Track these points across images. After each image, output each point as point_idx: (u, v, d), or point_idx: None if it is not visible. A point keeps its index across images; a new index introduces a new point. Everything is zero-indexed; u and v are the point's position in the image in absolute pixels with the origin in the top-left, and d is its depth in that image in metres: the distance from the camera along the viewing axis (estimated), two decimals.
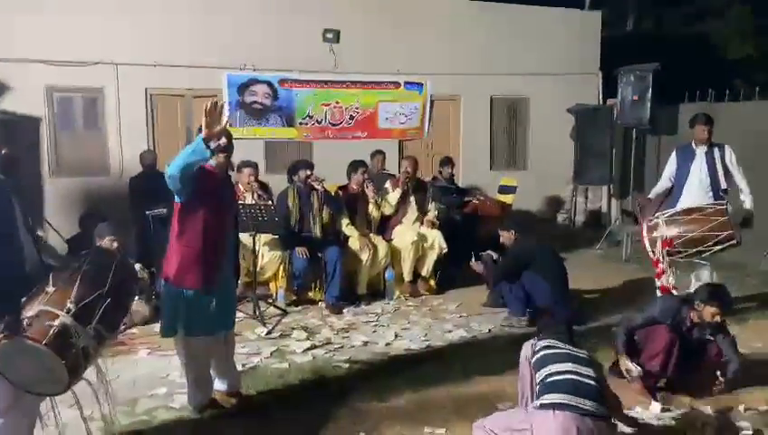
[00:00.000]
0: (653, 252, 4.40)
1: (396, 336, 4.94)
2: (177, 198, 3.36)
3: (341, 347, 4.72)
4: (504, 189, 8.29)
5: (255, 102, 9.14)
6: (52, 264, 3.40)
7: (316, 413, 3.65)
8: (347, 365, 4.34)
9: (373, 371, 4.30)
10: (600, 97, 10.48)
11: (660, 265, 4.32)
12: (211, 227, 3.41)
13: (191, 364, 3.51)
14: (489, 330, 5.07)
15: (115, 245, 5.38)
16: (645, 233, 4.46)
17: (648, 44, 12.30)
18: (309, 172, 5.79)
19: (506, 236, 5.42)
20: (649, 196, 5.29)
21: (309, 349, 4.65)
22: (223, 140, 3.40)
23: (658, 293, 4.95)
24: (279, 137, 9.30)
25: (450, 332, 5.05)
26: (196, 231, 3.36)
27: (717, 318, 3.64)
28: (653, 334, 3.77)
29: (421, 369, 4.30)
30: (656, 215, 4.61)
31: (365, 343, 4.80)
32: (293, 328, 5.17)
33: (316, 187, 5.77)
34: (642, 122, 8.29)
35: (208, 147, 3.14)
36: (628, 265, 7.58)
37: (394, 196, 6.28)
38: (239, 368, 4.01)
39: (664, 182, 5.27)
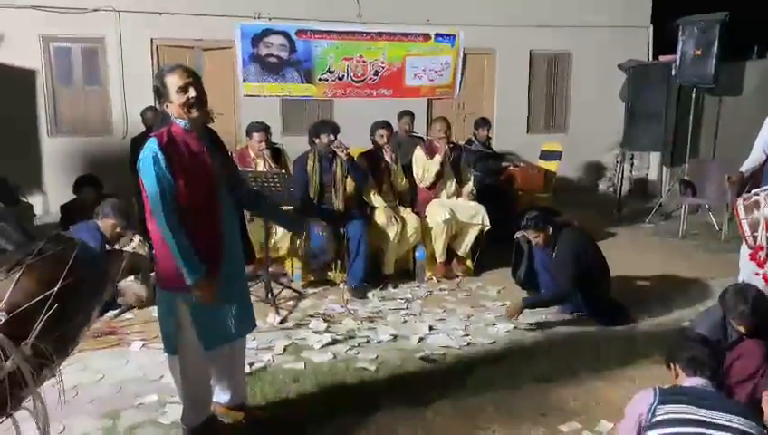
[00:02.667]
0: (753, 237, 3.58)
1: (430, 329, 4.23)
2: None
3: (366, 342, 4.02)
4: (547, 155, 7.45)
5: (271, 56, 8.28)
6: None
7: (336, 431, 2.98)
8: (373, 368, 3.63)
9: (404, 375, 3.59)
10: (650, 53, 9.51)
11: (762, 253, 3.51)
12: (201, 207, 2.65)
13: (187, 380, 2.79)
14: (537, 324, 4.32)
15: (117, 230, 4.71)
16: (742, 214, 3.63)
17: None
18: (332, 137, 4.98)
19: (541, 238, 4.32)
20: (741, 169, 4.44)
21: (328, 344, 3.95)
22: (192, 93, 2.61)
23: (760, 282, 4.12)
24: (296, 94, 8.45)
25: (494, 325, 4.32)
26: (183, 219, 2.59)
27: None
28: (742, 351, 2.98)
29: (462, 373, 3.59)
30: (753, 191, 3.77)
31: (394, 338, 4.09)
32: (311, 315, 4.47)
33: (340, 154, 4.97)
34: (705, 80, 7.33)
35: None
36: (686, 243, 6.77)
37: (434, 164, 5.40)
38: (246, 368, 3.34)
39: (757, 154, 4.42)
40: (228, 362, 2.95)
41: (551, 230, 4.33)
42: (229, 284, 2.77)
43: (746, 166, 4.47)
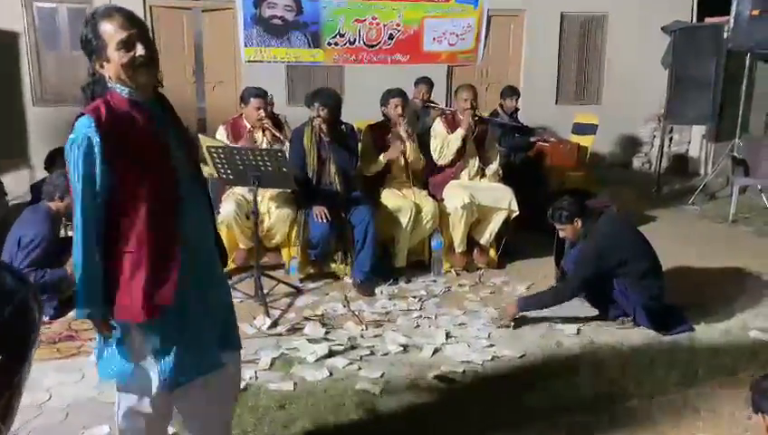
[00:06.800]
0: None
1: (447, 337, 3.56)
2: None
3: (371, 354, 3.37)
4: (581, 128, 6.69)
5: (275, 18, 7.56)
6: None
7: None
8: (377, 388, 2.98)
9: (414, 399, 2.94)
10: (695, 14, 8.62)
11: None
12: (157, 208, 1.92)
13: (137, 428, 2.12)
14: (578, 331, 3.64)
15: (66, 201, 4.02)
16: None
17: None
18: (320, 112, 4.22)
19: (569, 231, 3.74)
20: None
21: (325, 356, 3.31)
22: (140, 49, 1.89)
23: None
24: (303, 60, 7.75)
25: (522, 332, 3.64)
26: (140, 221, 1.90)
27: None
28: None
29: (484, 398, 2.93)
30: None
31: (404, 348, 3.43)
32: (307, 318, 3.83)
33: (323, 137, 4.24)
34: (763, 44, 6.47)
35: None
36: (737, 229, 6.02)
37: (455, 139, 4.69)
38: None
39: None
40: (206, 402, 2.21)
41: (579, 223, 3.70)
42: (204, 302, 2.08)
43: None
